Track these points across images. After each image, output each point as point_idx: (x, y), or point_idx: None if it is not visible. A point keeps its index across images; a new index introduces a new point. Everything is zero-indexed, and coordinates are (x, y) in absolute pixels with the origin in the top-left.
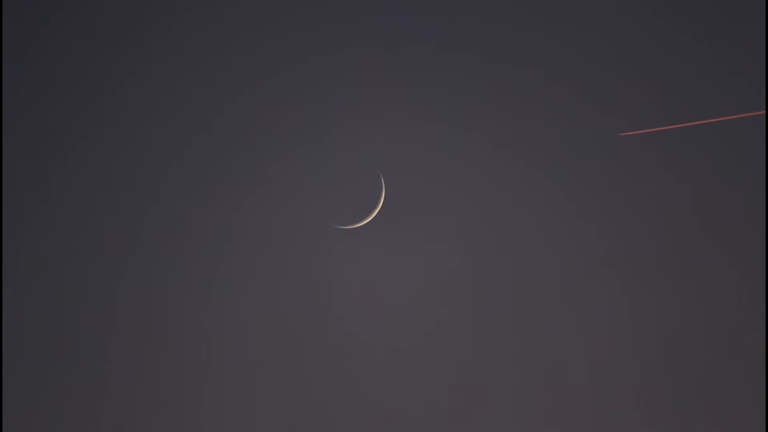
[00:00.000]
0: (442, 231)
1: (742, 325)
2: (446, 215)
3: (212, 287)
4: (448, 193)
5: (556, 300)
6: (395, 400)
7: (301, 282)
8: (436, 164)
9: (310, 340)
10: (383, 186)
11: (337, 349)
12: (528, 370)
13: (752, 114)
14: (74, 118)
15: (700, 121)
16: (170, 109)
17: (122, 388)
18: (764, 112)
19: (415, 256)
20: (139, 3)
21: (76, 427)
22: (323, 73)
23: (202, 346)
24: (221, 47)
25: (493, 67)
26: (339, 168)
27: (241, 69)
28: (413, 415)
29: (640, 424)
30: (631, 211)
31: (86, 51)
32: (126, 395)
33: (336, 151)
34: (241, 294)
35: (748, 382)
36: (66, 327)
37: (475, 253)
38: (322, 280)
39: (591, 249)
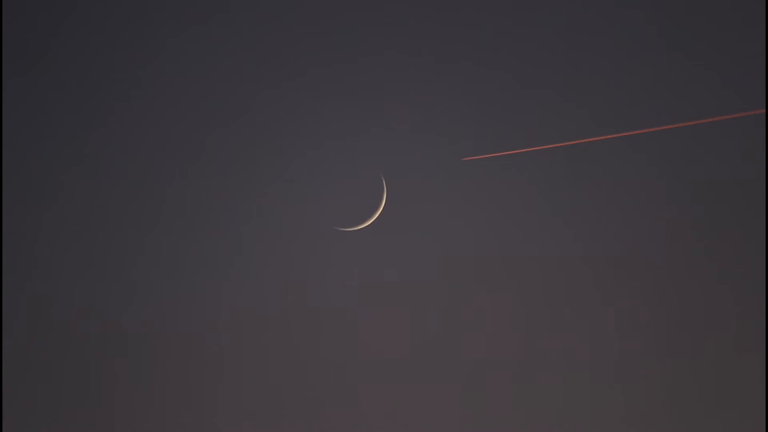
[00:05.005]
0: (443, 232)
1: (743, 325)
2: (447, 216)
3: (212, 288)
4: (449, 194)
5: (557, 300)
6: (396, 401)
7: (303, 284)
8: (437, 165)
9: (310, 341)
10: (384, 188)
11: (338, 350)
12: (529, 371)
13: (752, 113)
14: (76, 118)
15: (700, 121)
16: (172, 111)
17: (122, 388)
18: (764, 111)
19: (416, 257)
20: (147, 8)
21: (77, 427)
22: (325, 76)
23: (201, 346)
24: (225, 51)
25: (492, 69)
26: (340, 170)
27: (243, 73)
28: (414, 415)
29: (640, 425)
30: (630, 211)
31: (90, 51)
32: (126, 396)
33: (337, 153)
34: (242, 296)
35: (748, 382)
36: (66, 327)
37: (476, 254)
38: (324, 282)
39: (591, 249)
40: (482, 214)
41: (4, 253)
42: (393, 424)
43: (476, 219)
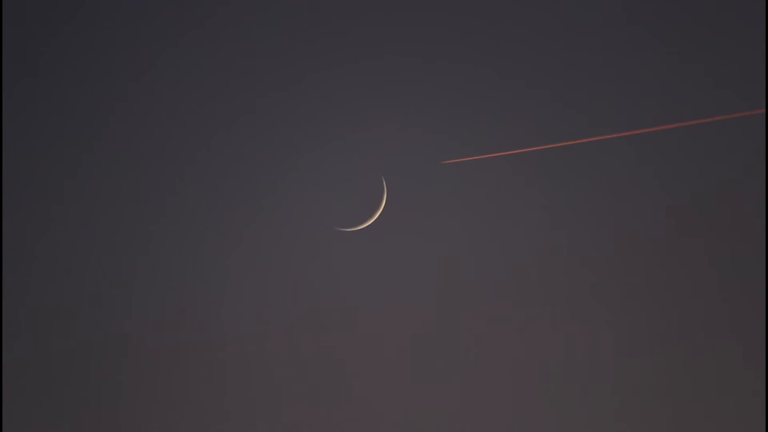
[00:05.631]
0: (443, 232)
1: (743, 325)
2: (447, 216)
3: (213, 289)
4: (449, 194)
5: (556, 300)
6: (396, 400)
7: (303, 285)
8: (437, 166)
9: (310, 340)
10: (385, 188)
11: (338, 350)
12: (529, 371)
13: (752, 113)
14: (75, 119)
15: (700, 121)
16: (172, 113)
17: (122, 389)
18: (764, 111)
19: (416, 257)
20: (147, 8)
21: (77, 428)
22: (324, 76)
23: (202, 348)
24: (224, 50)
25: (492, 69)
26: (340, 170)
27: (243, 71)
28: (414, 415)
29: (639, 425)
30: (630, 211)
31: (91, 52)
32: (126, 397)
33: (337, 153)
34: (242, 296)
35: (748, 382)
36: (67, 330)
37: (477, 255)
38: (324, 283)
39: (591, 249)
40: (482, 214)
41: (4, 255)
42: (393, 423)
43: (476, 219)
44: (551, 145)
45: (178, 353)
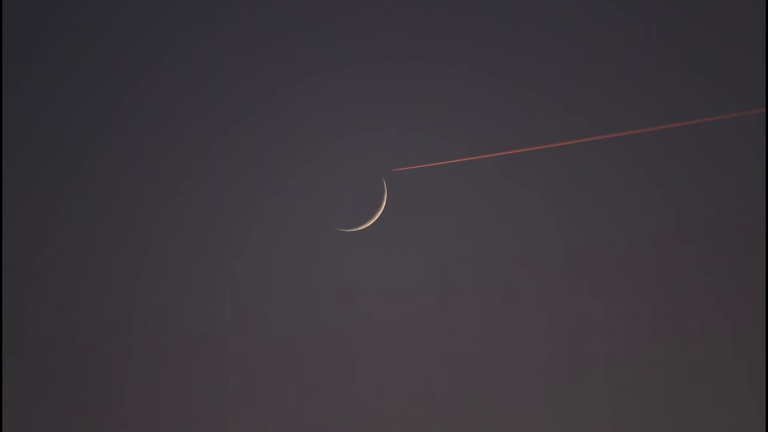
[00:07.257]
0: (444, 232)
1: (742, 325)
2: (448, 217)
3: (214, 290)
4: (450, 194)
5: (555, 300)
6: (397, 400)
7: (304, 286)
8: (437, 166)
9: (312, 341)
10: (385, 188)
11: (339, 350)
12: (528, 371)
13: (751, 113)
14: (77, 119)
15: (699, 121)
16: (176, 111)
17: (123, 390)
18: (764, 111)
19: (417, 258)
20: (148, 11)
21: (77, 428)
22: (324, 76)
23: (203, 347)
24: (226, 50)
25: (492, 71)
26: (340, 170)
27: (244, 72)
28: (414, 414)
29: (637, 425)
30: (630, 211)
31: (93, 52)
32: (126, 397)
33: (337, 153)
34: (243, 297)
35: (748, 382)
36: (67, 329)
37: (477, 255)
38: (325, 284)
39: (590, 249)
40: (482, 214)
41: (4, 255)
42: (394, 422)
43: (476, 219)
44: (550, 146)
45: (178, 353)
